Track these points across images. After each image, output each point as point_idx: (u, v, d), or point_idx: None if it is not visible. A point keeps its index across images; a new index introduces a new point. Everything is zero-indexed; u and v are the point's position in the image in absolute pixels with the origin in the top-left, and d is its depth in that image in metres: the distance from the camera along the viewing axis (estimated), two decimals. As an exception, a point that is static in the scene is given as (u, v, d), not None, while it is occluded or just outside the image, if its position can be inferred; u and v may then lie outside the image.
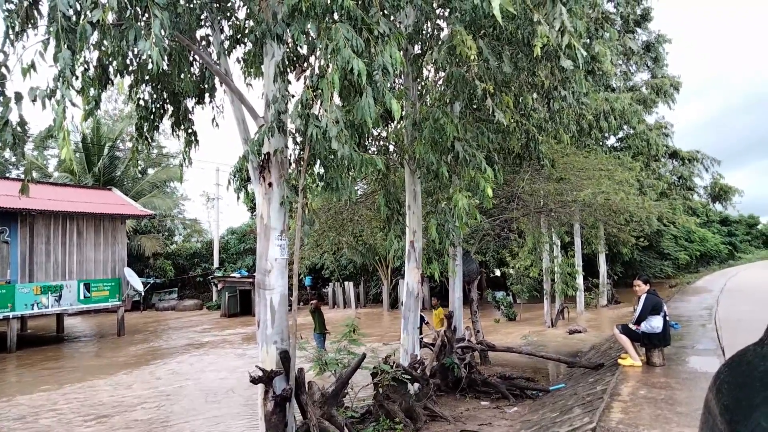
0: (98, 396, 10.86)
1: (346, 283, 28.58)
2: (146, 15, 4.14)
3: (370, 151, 8.56)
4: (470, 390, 8.73)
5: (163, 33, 3.94)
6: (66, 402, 10.47)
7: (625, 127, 21.77)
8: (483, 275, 24.89)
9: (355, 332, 8.10)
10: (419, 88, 8.42)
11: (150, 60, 3.86)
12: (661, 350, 7.50)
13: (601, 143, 21.06)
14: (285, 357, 5.91)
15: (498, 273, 27.32)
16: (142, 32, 3.91)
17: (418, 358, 7.89)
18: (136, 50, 5.76)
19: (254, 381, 5.75)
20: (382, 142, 8.91)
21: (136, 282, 21.76)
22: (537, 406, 7.86)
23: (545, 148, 8.42)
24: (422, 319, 11.23)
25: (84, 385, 11.96)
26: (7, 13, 4.78)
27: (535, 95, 7.89)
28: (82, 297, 19.42)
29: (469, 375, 8.82)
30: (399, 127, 8.18)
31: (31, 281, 17.99)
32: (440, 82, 8.32)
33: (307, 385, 6.22)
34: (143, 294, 25.47)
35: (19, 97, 4.65)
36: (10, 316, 17.20)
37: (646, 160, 22.25)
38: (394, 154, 9.07)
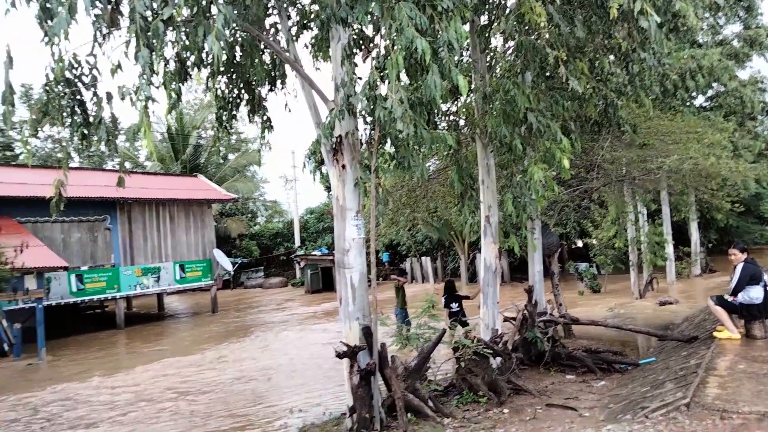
0: (199, 369, 11.69)
1: (423, 258, 28.73)
2: (214, 10, 4.29)
3: (440, 127, 8.48)
4: (554, 364, 8.60)
5: (226, 27, 4.08)
6: (173, 374, 11.35)
7: (714, 85, 20.11)
8: (564, 247, 24.19)
9: (434, 307, 8.17)
10: (488, 59, 8.20)
11: (217, 53, 4.00)
12: (763, 322, 7.01)
13: (688, 104, 19.61)
14: (367, 332, 6.09)
15: (580, 244, 26.43)
16: (211, 27, 4.07)
17: (499, 332, 7.85)
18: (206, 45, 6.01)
19: (339, 355, 5.98)
20: (452, 118, 8.79)
21: (225, 262, 23.02)
22: (626, 380, 7.62)
23: (625, 113, 7.99)
24: (460, 298, 11.09)
25: (186, 358, 12.90)
26: (94, 18, 5.13)
27: (612, 58, 7.47)
28: (178, 277, 20.84)
29: (552, 349, 8.67)
30: (469, 101, 8.02)
31: (133, 264, 19.49)
32: (509, 52, 8.06)
33: (390, 360, 6.39)
34: (232, 273, 26.89)
35: (109, 96, 5.02)
36: (117, 297, 18.79)
37: (740, 119, 20.49)
38: (465, 129, 8.93)
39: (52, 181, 5.62)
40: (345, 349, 5.92)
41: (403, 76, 5.77)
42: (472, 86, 7.71)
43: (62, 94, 5.18)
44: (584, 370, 8.34)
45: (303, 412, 7.86)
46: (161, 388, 10.21)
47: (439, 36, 4.79)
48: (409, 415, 5.88)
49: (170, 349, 14.61)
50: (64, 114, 5.27)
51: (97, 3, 4.30)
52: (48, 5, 4.29)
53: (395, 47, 4.64)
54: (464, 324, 10.97)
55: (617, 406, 6.06)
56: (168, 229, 20.88)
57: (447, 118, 8.86)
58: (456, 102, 8.56)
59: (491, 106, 7.29)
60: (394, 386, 5.93)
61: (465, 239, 25.92)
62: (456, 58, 7.49)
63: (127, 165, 32.96)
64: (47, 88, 5.06)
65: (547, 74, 7.55)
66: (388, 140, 5.95)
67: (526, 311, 8.83)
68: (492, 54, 8.45)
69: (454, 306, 10.86)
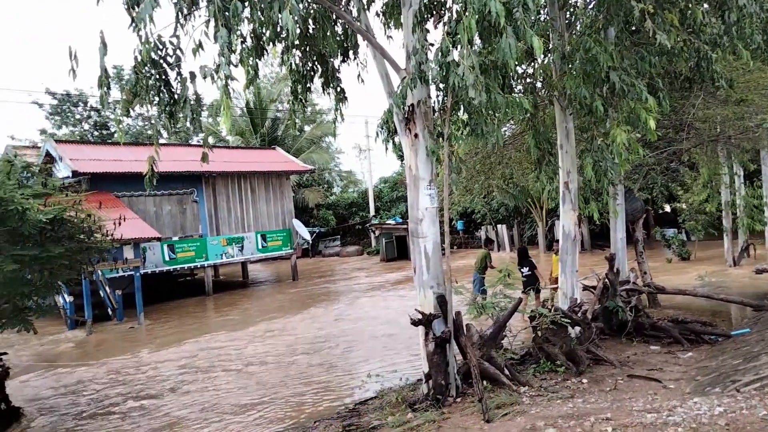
0: (281, 334, 12.29)
1: (498, 226, 28.29)
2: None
3: (516, 91, 8.21)
4: (637, 334, 8.30)
5: (300, 2, 4.13)
6: (257, 339, 12.02)
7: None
8: (650, 213, 22.98)
9: (509, 276, 8.08)
10: (567, 16, 7.80)
11: (291, 28, 4.07)
12: None
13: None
14: (442, 301, 6.14)
15: (668, 209, 25.00)
16: (285, 3, 4.13)
17: (578, 301, 7.67)
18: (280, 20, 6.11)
19: (415, 323, 6.09)
20: (528, 80, 8.48)
21: (304, 231, 23.78)
22: (716, 352, 7.25)
23: (720, 66, 7.36)
24: (532, 263, 11.12)
25: (270, 324, 13.58)
26: (175, 0, 5.34)
27: (706, 7, 6.87)
28: (260, 247, 21.81)
29: (635, 318, 8.37)
30: (546, 62, 7.70)
31: (218, 234, 20.57)
32: (591, 7, 7.62)
33: (465, 328, 6.42)
34: (310, 242, 27.73)
35: (192, 76, 5.25)
36: (205, 265, 19.98)
37: None
38: (543, 91, 8.60)
39: (144, 157, 6.01)
40: (420, 317, 6.01)
41: (477, 40, 5.62)
42: (550, 46, 7.39)
43: (149, 75, 5.48)
44: (670, 341, 8.01)
45: (380, 377, 8.10)
46: (246, 353, 10.83)
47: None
48: (484, 382, 5.91)
49: (255, 315, 15.41)
50: (152, 93, 5.59)
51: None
52: (134, -10, 4.51)
53: (467, 11, 4.52)
54: (537, 290, 10.94)
55: (705, 379, 5.80)
56: (249, 200, 21.79)
57: (523, 80, 8.57)
58: (533, 64, 8.25)
59: (570, 66, 6.97)
60: (470, 354, 5.97)
61: (543, 206, 25.22)
62: (532, 17, 7.20)
63: (211, 140, 34.52)
64: (136, 70, 5.36)
65: (633, 29, 7.09)
66: (461, 107, 5.86)
67: (607, 280, 8.54)
68: (572, 10, 8.03)
69: (525, 270, 11.12)
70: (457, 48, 5.09)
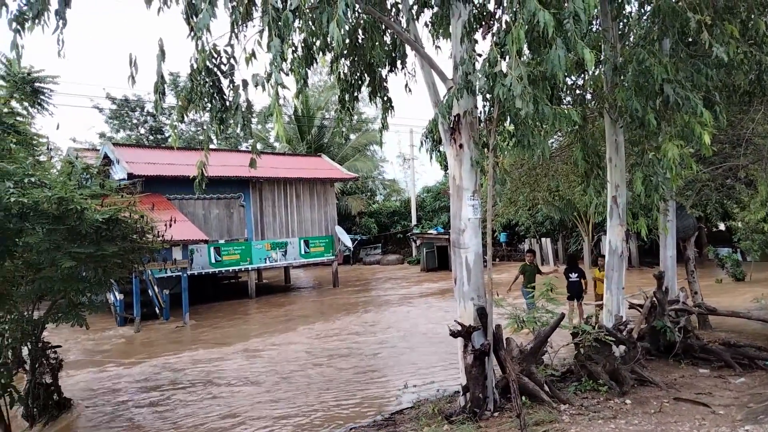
0: (320, 339, 12.41)
1: (543, 239, 27.78)
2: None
3: (564, 102, 8.09)
4: (686, 356, 7.98)
5: (349, 11, 4.20)
6: (296, 344, 12.17)
7: None
8: (702, 231, 22.09)
9: (552, 291, 7.92)
10: (620, 27, 7.64)
11: (337, 39, 4.15)
12: None
13: None
14: (482, 313, 6.08)
15: (722, 227, 23.98)
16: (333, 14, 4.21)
17: (623, 319, 7.44)
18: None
19: (454, 334, 6.05)
20: (578, 92, 8.34)
21: (346, 238, 24.00)
22: (771, 380, 6.90)
23: (784, 80, 7.05)
24: (581, 270, 11.28)
25: (309, 329, 13.74)
26: (231, 10, 5.54)
27: (770, 18, 6.60)
28: (303, 252, 22.13)
29: (684, 340, 8.05)
30: (597, 73, 7.55)
31: (263, 239, 20.98)
32: (645, 17, 7.44)
33: (505, 341, 6.34)
34: (352, 249, 27.96)
35: (245, 84, 5.41)
36: (250, 268, 20.42)
37: None
38: (593, 103, 8.43)
39: (195, 162, 6.22)
40: (459, 328, 5.97)
41: (526, 50, 5.58)
42: (602, 57, 7.25)
43: (204, 83, 5.68)
44: (720, 365, 7.66)
45: (416, 387, 8.06)
46: (285, 357, 10.98)
47: (564, 6, 4.56)
48: (523, 398, 5.81)
49: (295, 319, 15.62)
50: (205, 100, 5.79)
51: (233, -4, 4.64)
52: (194, 1, 4.70)
53: (516, 21, 4.50)
54: (579, 296, 10.90)
55: (759, 406, 5.52)
56: (294, 206, 22.16)
57: (573, 92, 8.43)
58: (583, 75, 8.11)
59: (622, 78, 6.82)
60: (509, 368, 5.88)
61: (589, 220, 24.58)
62: (584, 28, 7.08)
63: (259, 146, 35.31)
64: (192, 77, 5.58)
65: (689, 40, 6.88)
66: (508, 118, 5.82)
67: (655, 298, 8.26)
68: (625, 21, 7.86)
69: (573, 276, 11.29)
70: (505, 59, 5.07)
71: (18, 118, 7.84)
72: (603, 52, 7.22)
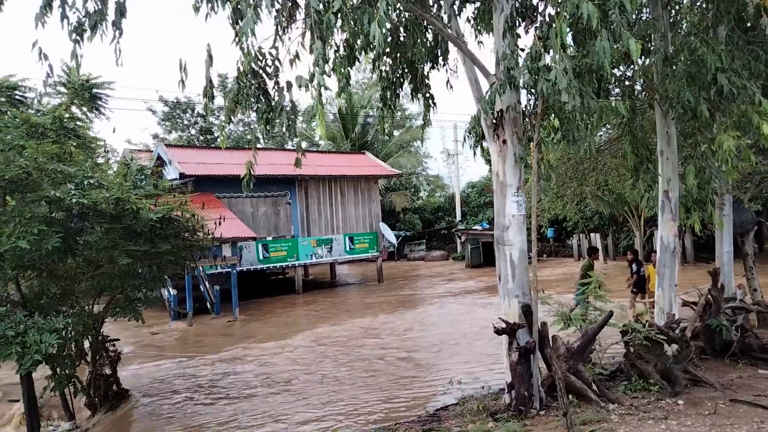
0: (366, 335, 12.54)
1: (592, 234, 27.08)
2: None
3: (612, 95, 7.87)
4: (743, 356, 7.65)
5: (391, 10, 4.23)
6: (343, 339, 12.34)
7: None
8: (763, 225, 21.03)
9: (600, 288, 7.74)
10: (671, 15, 7.37)
11: (378, 39, 4.19)
12: None
13: None
14: (527, 311, 6.02)
15: (785, 221, 22.71)
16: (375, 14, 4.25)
17: (676, 317, 7.21)
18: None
19: (498, 332, 6.01)
20: (626, 83, 8.10)
21: (390, 235, 24.08)
22: (838, 382, 6.54)
23: None
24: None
25: (355, 323, 13.90)
26: (275, 13, 5.66)
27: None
28: (348, 248, 22.37)
29: (741, 339, 7.72)
30: (647, 63, 7.32)
31: (309, 236, 21.33)
32: (698, 4, 7.16)
33: (551, 339, 6.25)
34: (396, 245, 28.00)
35: (289, 85, 5.53)
36: (296, 264, 20.81)
37: None
38: (642, 95, 8.18)
39: (243, 161, 6.40)
40: (504, 326, 5.92)
41: (571, 41, 5.48)
42: (651, 47, 7.03)
43: (249, 85, 5.83)
44: (783, 366, 7.32)
45: (462, 384, 8.06)
46: (331, 352, 11.15)
47: (610, -3, 4.45)
48: (570, 396, 5.72)
49: (342, 315, 15.82)
50: (251, 101, 5.94)
51: (277, 1, 4.74)
52: (239, 6, 4.84)
53: (560, 14, 4.43)
54: (644, 290, 10.99)
55: (825, 411, 5.25)
56: (339, 203, 22.42)
57: (621, 83, 8.19)
58: (631, 66, 7.87)
59: (673, 68, 6.59)
60: (555, 366, 5.79)
61: (641, 214, 23.83)
62: (633, 17, 6.88)
63: (304, 144, 35.72)
64: (238, 80, 5.74)
65: (747, 26, 6.59)
66: (552, 112, 5.73)
67: (709, 296, 7.95)
68: (677, 9, 7.59)
69: (642, 270, 11.50)
70: (549, 52, 4.99)
71: (78, 123, 8.26)
72: (653, 42, 6.99)
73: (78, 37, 5.34)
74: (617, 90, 8.11)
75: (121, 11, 5.44)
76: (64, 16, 5.23)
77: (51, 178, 6.88)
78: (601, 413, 5.53)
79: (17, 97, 8.59)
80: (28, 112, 8.08)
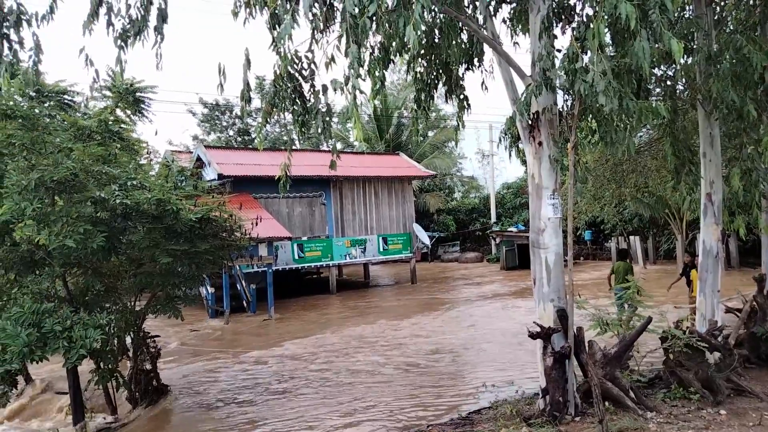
0: (398, 336, 12.55)
1: (631, 237, 26.42)
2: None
3: (653, 94, 7.69)
4: (792, 366, 7.37)
5: (426, 12, 4.25)
6: (374, 340, 12.39)
7: None
8: (815, 228, 20.12)
9: (639, 292, 7.57)
10: (715, 12, 7.15)
11: (413, 42, 4.20)
12: None
13: None
14: (562, 315, 5.93)
15: (840, 225, 21.64)
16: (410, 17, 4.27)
17: (718, 324, 6.98)
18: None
19: (533, 336, 5.94)
20: (668, 83, 7.89)
21: (424, 236, 24.04)
22: None
23: None
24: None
25: (389, 324, 13.93)
26: (312, 17, 5.73)
27: None
28: (381, 249, 22.44)
29: (790, 348, 7.43)
30: (689, 63, 7.12)
31: (343, 236, 21.48)
32: (744, 0, 6.93)
33: (587, 344, 6.15)
34: (430, 246, 27.92)
35: (324, 89, 5.60)
36: (331, 264, 21.00)
37: None
38: (685, 94, 7.96)
39: (279, 162, 6.51)
40: (538, 330, 5.86)
41: (609, 40, 5.38)
42: (694, 46, 6.83)
43: (286, 88, 5.93)
44: (835, 378, 7.00)
45: (495, 387, 7.99)
46: (363, 352, 11.20)
47: (650, -4, 4.35)
48: (606, 403, 5.62)
49: (375, 315, 15.88)
50: (287, 103, 6.04)
51: (315, 6, 4.82)
52: (276, 11, 4.94)
53: (597, 15, 4.36)
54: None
55: None
56: (373, 204, 22.52)
57: (662, 83, 7.99)
58: (672, 66, 7.67)
59: (718, 67, 6.40)
60: (591, 372, 5.70)
61: (683, 217, 23.14)
62: (675, 15, 6.69)
63: (339, 145, 36.11)
64: (275, 83, 5.84)
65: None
66: (590, 114, 5.63)
67: (755, 302, 7.68)
68: (721, 6, 7.36)
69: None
70: (586, 53, 4.92)
71: (122, 126, 8.54)
72: (695, 41, 6.80)
73: (122, 43, 5.53)
74: (658, 90, 7.91)
75: (162, 17, 5.62)
76: (109, 23, 5.44)
77: (96, 180, 7.13)
78: (638, 421, 5.41)
79: (66, 101, 8.93)
80: (76, 116, 8.39)
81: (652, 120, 6.17)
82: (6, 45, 5.11)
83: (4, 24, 5.02)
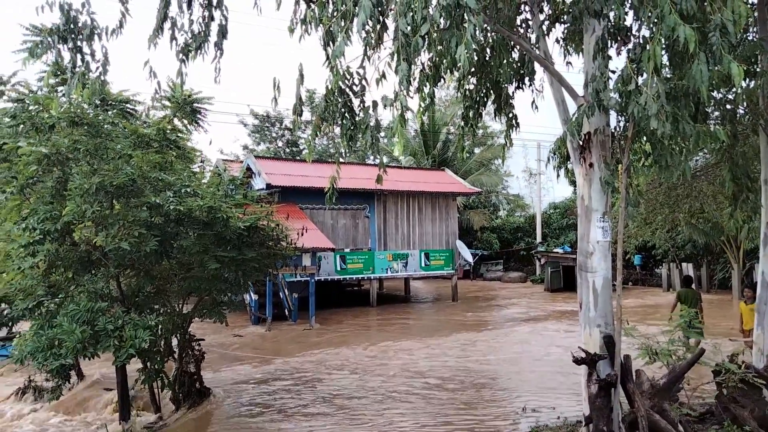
0: (437, 354, 12.45)
1: (684, 264, 25.42)
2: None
3: (712, 117, 7.43)
4: None
5: (478, 32, 4.27)
6: (412, 356, 12.33)
7: None
8: None
9: (691, 324, 7.27)
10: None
11: (464, 62, 4.22)
12: None
13: None
14: (609, 341, 5.76)
15: None
16: (462, 37, 4.29)
17: (778, 360, 6.63)
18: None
19: (577, 362, 5.79)
20: (728, 107, 7.62)
21: (466, 253, 23.84)
22: None
23: None
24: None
25: (427, 341, 13.84)
26: (364, 34, 5.84)
27: None
28: (423, 264, 22.37)
29: None
30: (752, 87, 6.86)
31: (385, 250, 21.55)
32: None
33: (634, 373, 5.95)
34: (472, 264, 27.66)
35: (374, 105, 5.68)
36: (372, 277, 21.07)
37: None
38: (746, 119, 7.66)
39: (325, 173, 6.63)
40: (583, 355, 5.70)
41: (666, 61, 5.26)
42: (757, 69, 6.58)
43: (336, 102, 6.05)
44: None
45: (536, 412, 7.80)
46: (401, 369, 11.14)
47: (710, 19, 4.24)
48: (654, 436, 5.40)
49: (415, 331, 15.82)
50: (337, 117, 6.15)
51: (368, 24, 4.91)
52: (331, 29, 5.06)
53: (654, 37, 4.27)
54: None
55: None
56: (416, 219, 22.52)
57: (721, 107, 7.72)
58: (733, 89, 7.40)
59: (782, 91, 6.15)
60: (638, 403, 5.50)
61: (740, 245, 22.12)
62: (737, 37, 6.48)
63: (385, 159, 36.30)
64: (326, 98, 5.96)
65: None
66: (644, 136, 5.50)
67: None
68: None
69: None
70: (642, 75, 4.82)
71: (179, 135, 8.90)
72: (759, 64, 6.55)
73: (184, 57, 5.78)
74: (717, 113, 7.64)
75: (222, 33, 5.85)
76: (173, 37, 5.70)
77: (152, 186, 7.44)
78: (687, 457, 5.17)
79: (128, 109, 9.39)
80: (136, 124, 8.80)
81: (710, 144, 5.97)
82: (78, 57, 5.43)
83: (79, 38, 5.34)
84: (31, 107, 8.04)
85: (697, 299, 10.66)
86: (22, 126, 7.67)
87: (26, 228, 6.86)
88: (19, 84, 9.26)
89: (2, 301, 8.36)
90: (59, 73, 7.02)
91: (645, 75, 4.54)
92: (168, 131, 8.47)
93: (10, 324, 9.27)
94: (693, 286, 11.40)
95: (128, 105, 9.46)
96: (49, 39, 5.40)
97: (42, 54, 5.46)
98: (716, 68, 4.31)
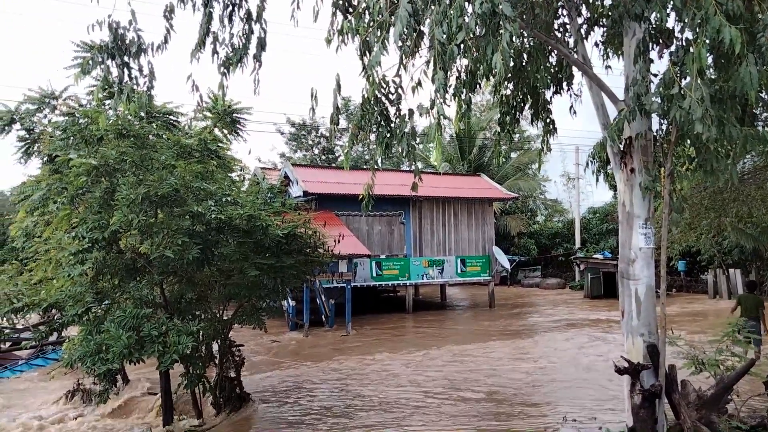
0: (474, 361, 12.34)
1: (731, 270, 24.49)
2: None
3: (761, 119, 7.17)
4: None
5: (514, 38, 4.24)
6: (449, 363, 12.25)
7: None
8: None
9: (740, 332, 7.01)
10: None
11: (500, 69, 4.21)
12: None
13: None
14: (653, 351, 5.61)
15: None
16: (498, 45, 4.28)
17: (835, 372, 6.33)
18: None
19: (620, 371, 5.66)
20: (777, 108, 7.33)
21: (503, 259, 23.56)
22: None
23: None
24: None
25: (464, 348, 13.74)
26: (400, 43, 5.88)
27: None
28: (459, 271, 22.23)
29: None
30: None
31: (421, 256, 21.51)
32: None
33: (679, 384, 5.77)
34: (509, 270, 27.32)
35: (411, 113, 5.71)
36: (408, 284, 21.06)
37: None
38: (797, 120, 7.35)
39: (361, 180, 6.68)
40: (626, 365, 5.57)
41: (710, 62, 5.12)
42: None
43: (372, 111, 6.10)
44: None
45: (576, 422, 7.64)
46: (438, 376, 11.08)
47: (759, 19, 4.12)
48: (702, 449, 5.22)
49: (453, 338, 15.71)
50: (372, 125, 6.20)
51: (404, 33, 4.95)
52: (367, 39, 5.12)
53: (698, 39, 4.17)
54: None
55: None
56: (452, 225, 22.41)
57: (770, 109, 7.44)
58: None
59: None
60: (684, 414, 5.34)
61: (792, 251, 21.17)
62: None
63: (420, 165, 36.28)
64: (362, 106, 6.02)
65: None
66: (688, 141, 5.36)
67: None
68: None
69: None
70: (685, 78, 4.70)
71: (219, 144, 9.12)
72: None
73: (225, 70, 5.94)
74: (765, 115, 7.37)
75: (261, 45, 5.98)
76: (214, 51, 5.86)
77: (195, 195, 7.64)
78: (737, 472, 4.98)
79: (171, 121, 9.68)
80: (178, 135, 9.06)
81: (759, 147, 5.77)
82: (126, 72, 5.64)
83: (126, 54, 5.56)
84: (80, 120, 8.38)
85: (756, 305, 10.21)
86: (72, 139, 8.00)
87: (76, 236, 7.15)
88: (70, 98, 9.66)
89: (54, 307, 8.70)
90: (107, 87, 7.29)
91: (688, 78, 4.42)
92: (209, 141, 8.69)
93: (60, 329, 9.64)
94: (756, 291, 10.95)
95: (171, 117, 9.74)
96: (99, 55, 5.63)
97: (92, 70, 5.70)
98: (765, 69, 4.18)
